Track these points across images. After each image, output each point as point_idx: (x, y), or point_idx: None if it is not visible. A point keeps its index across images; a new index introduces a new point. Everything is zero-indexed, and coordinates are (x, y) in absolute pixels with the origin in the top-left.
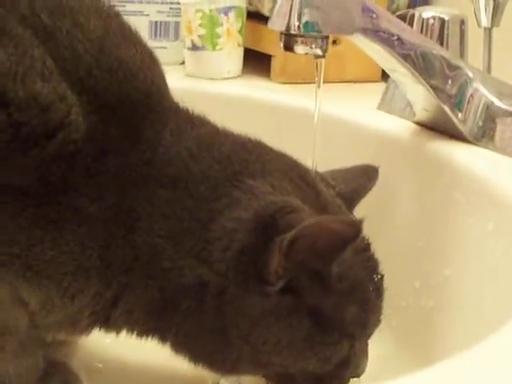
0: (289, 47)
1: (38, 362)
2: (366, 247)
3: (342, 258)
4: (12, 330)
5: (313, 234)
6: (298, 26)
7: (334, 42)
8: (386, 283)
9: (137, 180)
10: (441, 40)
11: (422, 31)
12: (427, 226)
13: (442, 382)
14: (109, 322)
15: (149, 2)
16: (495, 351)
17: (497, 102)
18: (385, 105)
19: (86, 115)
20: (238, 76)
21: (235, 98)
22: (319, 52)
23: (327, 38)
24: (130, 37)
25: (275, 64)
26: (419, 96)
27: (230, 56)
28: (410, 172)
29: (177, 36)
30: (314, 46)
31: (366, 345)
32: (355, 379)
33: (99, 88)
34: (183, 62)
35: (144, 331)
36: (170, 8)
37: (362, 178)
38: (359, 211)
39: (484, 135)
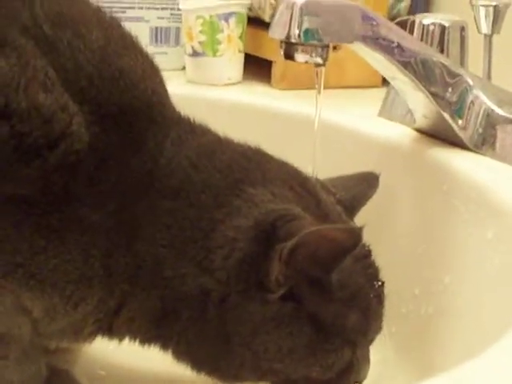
0: (289, 56)
1: (40, 369)
2: (367, 254)
3: (343, 265)
4: (15, 338)
5: (313, 242)
6: (299, 35)
7: (335, 48)
8: (387, 290)
9: (139, 190)
10: (441, 47)
11: (422, 38)
12: (427, 233)
13: None
14: (111, 330)
15: (149, 8)
16: (496, 363)
17: (497, 110)
18: (385, 111)
19: (88, 125)
20: (239, 82)
21: (236, 104)
22: (319, 60)
23: (327, 46)
24: (131, 46)
25: (276, 70)
26: (419, 103)
27: (231, 62)
28: (410, 179)
29: (177, 42)
30: (314, 54)
31: (368, 351)
32: None
33: (101, 98)
34: (184, 68)
35: (146, 339)
36: (171, 14)
37: (363, 186)
38: (360, 218)
39: (484, 143)
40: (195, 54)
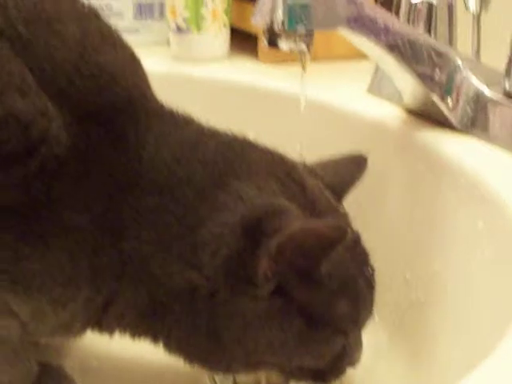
0: (273, 43)
1: (31, 367)
2: (356, 240)
3: (331, 256)
4: (3, 339)
5: (299, 237)
6: (282, 23)
7: None
8: (378, 274)
9: (122, 188)
10: (429, 25)
11: (409, 16)
12: (417, 217)
13: None
14: (101, 325)
15: None
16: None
17: (486, 90)
18: (374, 88)
19: (68, 127)
20: (225, 58)
21: (221, 81)
22: (304, 47)
23: (312, 33)
24: (109, 39)
25: (262, 44)
26: (408, 84)
27: (216, 38)
28: (399, 162)
29: (162, 15)
30: (298, 41)
31: (360, 335)
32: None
33: (80, 97)
34: (169, 42)
35: (136, 333)
36: None
37: (351, 168)
38: (349, 202)
39: (474, 124)
40: (179, 30)
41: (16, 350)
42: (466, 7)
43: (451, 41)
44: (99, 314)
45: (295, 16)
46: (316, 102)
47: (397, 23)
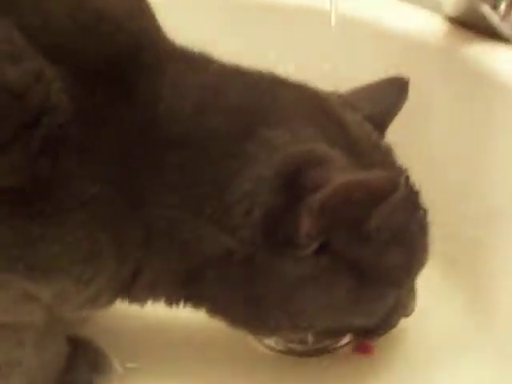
0: None
1: (61, 346)
2: (405, 182)
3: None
4: (27, 324)
5: (345, 192)
6: None
7: None
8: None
9: (138, 147)
10: None
11: None
12: (469, 144)
13: None
14: (132, 296)
15: None
16: None
17: None
18: None
19: (70, 88)
20: None
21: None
22: None
23: None
24: None
25: None
26: None
27: None
28: (443, 82)
29: None
30: None
31: (414, 284)
32: None
33: (80, 52)
34: None
35: (171, 301)
36: None
37: (391, 94)
38: (390, 130)
39: None
40: None
41: (43, 332)
42: None
43: None
44: (128, 285)
45: None
46: (346, 16)
47: None
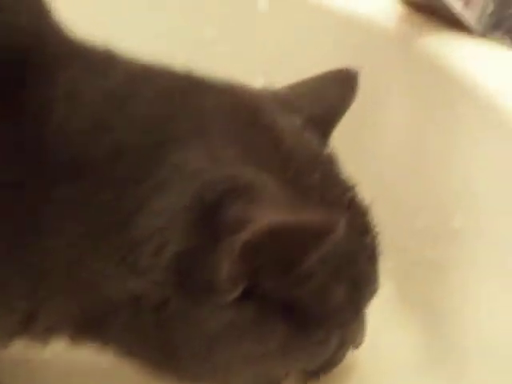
0: None
1: None
2: (352, 200)
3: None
4: None
5: (273, 234)
6: None
7: None
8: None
9: (28, 172)
10: None
11: None
12: (426, 146)
13: None
14: (29, 338)
15: None
16: None
17: None
18: None
19: None
20: None
21: None
22: None
23: None
24: None
25: None
26: None
27: None
28: (400, 74)
29: None
30: None
31: (363, 316)
32: None
33: None
34: None
35: (74, 342)
36: None
37: (338, 89)
38: (339, 130)
39: (496, 26)
40: None
41: None
42: None
43: None
44: (21, 329)
45: None
46: None
47: None
